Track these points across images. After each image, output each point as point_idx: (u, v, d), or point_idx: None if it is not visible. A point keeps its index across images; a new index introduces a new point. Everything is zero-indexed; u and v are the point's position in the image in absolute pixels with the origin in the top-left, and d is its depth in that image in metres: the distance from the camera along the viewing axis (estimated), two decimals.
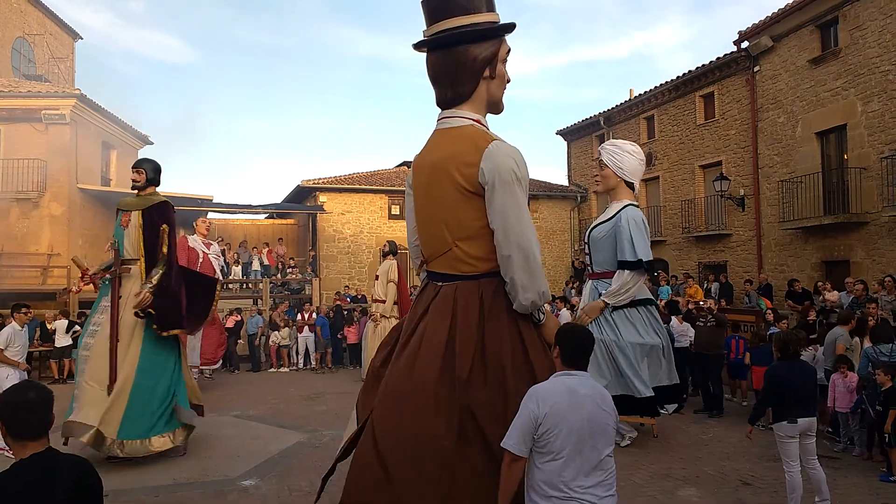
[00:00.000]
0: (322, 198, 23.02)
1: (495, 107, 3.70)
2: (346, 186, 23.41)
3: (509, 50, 3.66)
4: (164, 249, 7.21)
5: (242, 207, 22.23)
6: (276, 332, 14.93)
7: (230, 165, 76.82)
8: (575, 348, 3.04)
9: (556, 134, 27.32)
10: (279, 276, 20.25)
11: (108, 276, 7.24)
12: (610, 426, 2.96)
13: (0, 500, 2.15)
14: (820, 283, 12.82)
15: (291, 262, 21.19)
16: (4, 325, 8.65)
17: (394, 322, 12.80)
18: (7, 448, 6.84)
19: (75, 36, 30.52)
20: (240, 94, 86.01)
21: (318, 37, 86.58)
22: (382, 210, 23.74)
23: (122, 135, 22.94)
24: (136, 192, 7.45)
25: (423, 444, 3.06)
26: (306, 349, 15.19)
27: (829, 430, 8.07)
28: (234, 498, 5.94)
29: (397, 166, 28.36)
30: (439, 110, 3.70)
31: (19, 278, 17.98)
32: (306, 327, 15.19)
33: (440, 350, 3.31)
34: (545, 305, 3.46)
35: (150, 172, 7.44)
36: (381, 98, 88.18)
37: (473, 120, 3.57)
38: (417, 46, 3.70)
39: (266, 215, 26.32)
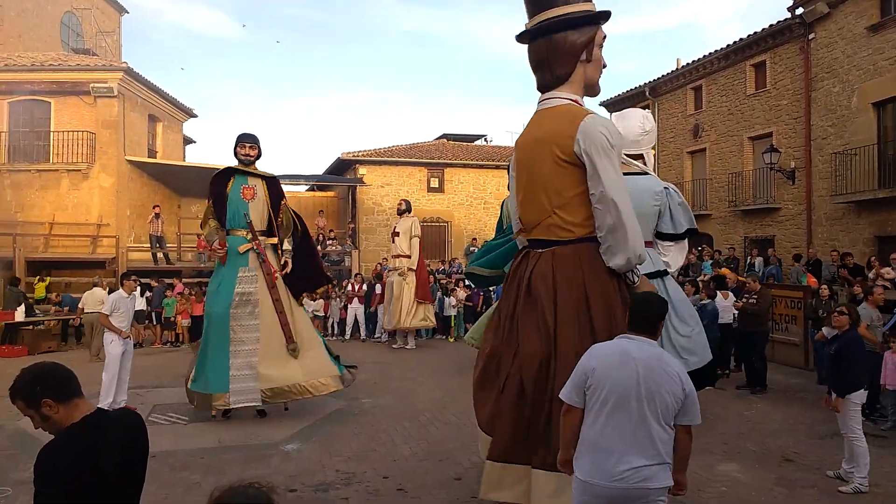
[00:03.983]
0: (362, 170, 23.09)
1: (591, 89, 4.13)
2: (386, 159, 23.42)
3: (605, 36, 4.05)
4: (283, 220, 7.99)
5: (283, 179, 22.41)
6: (311, 302, 15.01)
7: (273, 137, 77.67)
8: (640, 316, 3.07)
9: (600, 105, 26.77)
10: (319, 248, 20.44)
11: (254, 247, 7.77)
12: (667, 394, 2.84)
13: (55, 465, 2.19)
14: (873, 259, 12.38)
15: (331, 234, 21.38)
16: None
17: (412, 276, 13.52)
18: None
19: (121, 10, 30.99)
20: (284, 68, 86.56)
21: (362, 11, 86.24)
22: (421, 182, 23.71)
23: (167, 107, 23.31)
24: (241, 165, 7.90)
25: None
26: (356, 320, 15.30)
27: (881, 405, 7.82)
28: (276, 461, 6.09)
29: (436, 139, 28.25)
30: (539, 94, 4.13)
31: (70, 247, 18.55)
32: (356, 298, 15.28)
33: (545, 314, 3.77)
34: (639, 269, 3.82)
35: (259, 148, 7.98)
36: (421, 71, 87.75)
37: (571, 100, 3.99)
38: (520, 39, 4.15)
39: (307, 187, 26.57)
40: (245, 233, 7.74)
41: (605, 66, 4.11)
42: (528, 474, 3.70)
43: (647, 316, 3.06)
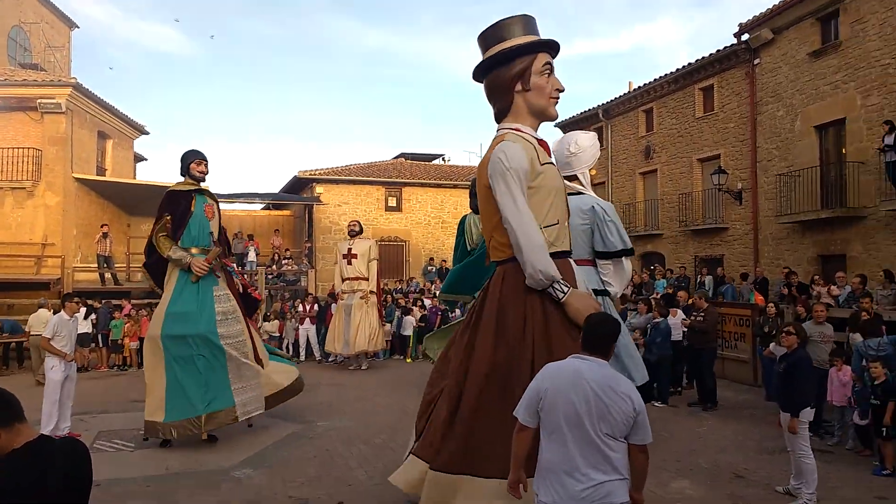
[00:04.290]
0: (319, 189, 22.94)
1: (541, 115, 4.24)
2: (344, 178, 23.34)
3: (546, 63, 4.13)
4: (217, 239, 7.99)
5: (239, 197, 22.13)
6: (266, 323, 14.75)
7: (227, 156, 76.64)
8: (592, 337, 3.10)
9: (555, 126, 27.17)
10: (275, 267, 20.16)
11: (230, 266, 7.90)
12: (618, 414, 2.89)
13: None
14: (817, 277, 12.80)
15: (287, 253, 21.09)
16: None
17: (374, 298, 13.61)
18: None
19: (71, 25, 30.30)
20: (238, 85, 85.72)
21: (319, 29, 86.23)
22: (379, 202, 23.67)
23: (117, 124, 22.78)
24: (195, 183, 7.76)
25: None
26: (307, 341, 15.05)
27: (826, 422, 8.03)
28: (227, 488, 5.92)
29: (394, 158, 28.27)
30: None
31: (13, 268, 17.81)
32: (307, 319, 15.06)
33: (468, 330, 4.07)
34: (564, 286, 3.86)
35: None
36: (379, 90, 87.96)
37: (511, 129, 4.15)
38: (475, 78, 4.36)
39: (263, 206, 26.24)
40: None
41: (560, 90, 4.16)
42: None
43: (598, 337, 3.10)
